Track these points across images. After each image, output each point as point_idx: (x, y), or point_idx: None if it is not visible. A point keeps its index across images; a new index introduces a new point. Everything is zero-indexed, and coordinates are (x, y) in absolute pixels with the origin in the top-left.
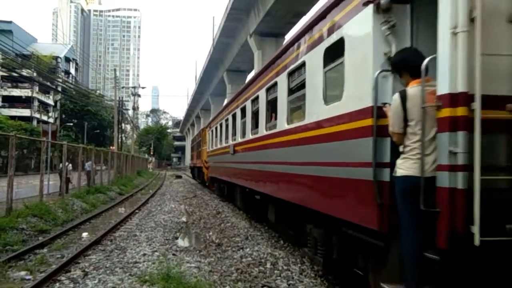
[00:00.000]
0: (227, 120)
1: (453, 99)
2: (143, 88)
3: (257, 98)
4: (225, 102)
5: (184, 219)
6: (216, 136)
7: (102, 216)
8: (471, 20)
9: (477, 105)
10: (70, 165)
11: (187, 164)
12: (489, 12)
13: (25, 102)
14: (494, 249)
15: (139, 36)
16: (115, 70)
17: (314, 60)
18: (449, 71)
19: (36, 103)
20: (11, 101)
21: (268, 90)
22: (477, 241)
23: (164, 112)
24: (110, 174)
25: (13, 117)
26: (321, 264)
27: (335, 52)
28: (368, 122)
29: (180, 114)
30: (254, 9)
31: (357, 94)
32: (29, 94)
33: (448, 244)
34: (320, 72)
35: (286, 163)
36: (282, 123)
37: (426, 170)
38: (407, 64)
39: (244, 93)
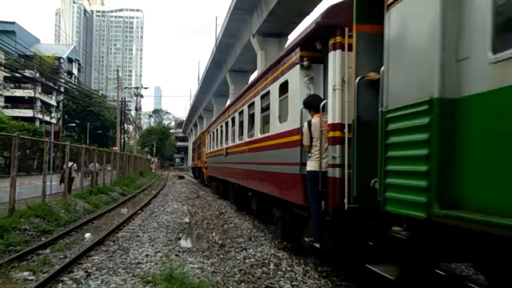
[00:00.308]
0: (221, 126)
1: (334, 126)
2: (145, 88)
3: (242, 111)
4: (228, 102)
5: (187, 219)
6: (213, 140)
7: (105, 216)
8: (343, 82)
9: (345, 130)
10: (75, 165)
11: (190, 165)
12: (350, 79)
13: (28, 102)
14: (354, 212)
15: (141, 37)
16: (117, 70)
17: (274, 90)
18: (332, 111)
19: (38, 104)
20: (14, 102)
21: (249, 106)
22: (345, 207)
23: (167, 113)
24: (113, 174)
25: (15, 118)
26: (280, 236)
27: (284, 88)
28: (297, 137)
29: (183, 115)
30: (257, 9)
31: (293, 118)
32: (32, 95)
33: (333, 210)
34: (277, 99)
35: (259, 163)
36: (257, 133)
37: (322, 167)
38: (311, 105)
39: (234, 106)
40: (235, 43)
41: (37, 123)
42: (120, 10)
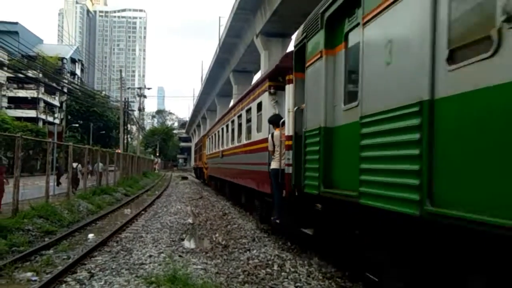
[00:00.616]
0: (218, 131)
1: (288, 137)
2: (149, 89)
3: (233, 120)
4: (231, 103)
5: (190, 220)
6: (212, 143)
7: (108, 217)
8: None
9: (293, 139)
10: (80, 165)
11: (192, 165)
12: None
13: (31, 103)
14: (303, 197)
15: (144, 37)
16: (120, 71)
17: (253, 107)
18: (287, 126)
19: (41, 104)
20: (17, 102)
21: (238, 117)
22: (296, 193)
23: (170, 113)
24: (116, 175)
25: (19, 118)
26: (259, 220)
27: (260, 106)
28: (266, 144)
29: (186, 115)
30: (261, 9)
31: (265, 130)
32: (35, 95)
33: (288, 196)
34: (255, 114)
35: (244, 163)
36: (243, 139)
37: (281, 166)
38: (273, 122)
39: (228, 114)
40: (239, 43)
41: (40, 123)
42: (123, 10)
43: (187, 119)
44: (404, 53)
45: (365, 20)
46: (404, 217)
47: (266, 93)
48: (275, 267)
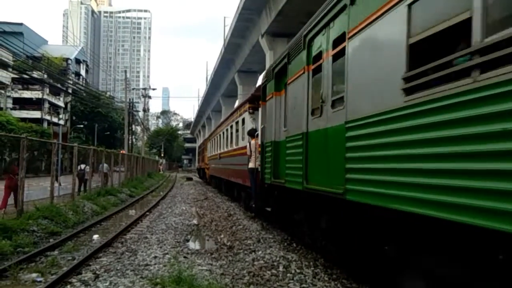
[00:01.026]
0: (216, 137)
1: (260, 146)
2: (153, 89)
3: (227, 129)
4: (236, 104)
5: (195, 221)
6: (212, 147)
7: (113, 218)
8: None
9: (261, 147)
10: (88, 166)
11: (196, 166)
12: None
13: (36, 104)
14: (271, 186)
15: (149, 37)
16: (125, 71)
17: (240, 121)
18: (260, 137)
19: (46, 105)
20: (22, 103)
21: (230, 126)
22: (268, 181)
23: (175, 114)
24: (121, 176)
25: (23, 119)
26: (244, 207)
27: (243, 121)
28: (246, 150)
29: (191, 116)
30: (266, 9)
31: (246, 139)
32: (40, 96)
33: (262, 185)
34: (241, 127)
35: (234, 164)
36: (233, 145)
37: (256, 166)
38: (251, 134)
39: (223, 124)
40: (244, 43)
41: (45, 124)
42: (128, 10)
43: (192, 119)
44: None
45: (289, 81)
46: (296, 190)
47: (247, 112)
48: (281, 268)
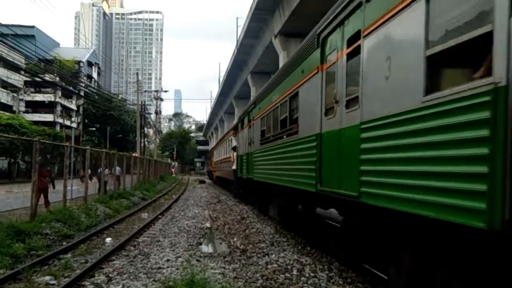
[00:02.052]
0: (218, 148)
1: (236, 156)
2: (165, 91)
3: (223, 145)
4: (249, 103)
5: (208, 224)
6: (216, 154)
7: (125, 221)
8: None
9: (237, 157)
10: (118, 168)
11: (206, 169)
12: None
13: (48, 107)
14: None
15: (161, 39)
16: (137, 74)
17: (229, 140)
18: (238, 151)
19: (59, 108)
20: (34, 106)
21: (226, 142)
22: (244, 176)
23: (187, 116)
24: (133, 179)
25: (36, 122)
26: (233, 195)
27: (231, 140)
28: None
29: (203, 118)
30: (279, 9)
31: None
32: (52, 99)
33: (238, 178)
34: (230, 144)
35: (226, 167)
36: (226, 154)
37: (235, 167)
38: (233, 149)
39: (223, 139)
40: (257, 44)
41: (58, 127)
42: (140, 12)
43: (205, 122)
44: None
45: (255, 119)
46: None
47: (232, 136)
48: (294, 272)
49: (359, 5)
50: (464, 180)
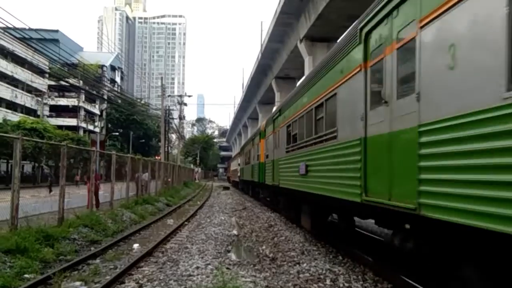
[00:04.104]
0: (233, 161)
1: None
2: (189, 96)
3: (235, 160)
4: (274, 109)
5: (235, 231)
6: (231, 165)
7: (151, 227)
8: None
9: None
10: (147, 174)
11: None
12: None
13: (72, 111)
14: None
15: (184, 43)
16: (161, 78)
17: (237, 159)
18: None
19: (82, 113)
20: (58, 111)
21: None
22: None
23: (210, 121)
24: (158, 184)
25: (60, 127)
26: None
27: (238, 162)
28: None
29: (227, 123)
30: (305, 13)
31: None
32: (76, 104)
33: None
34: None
35: (238, 172)
36: (234, 167)
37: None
38: (238, 164)
39: (234, 158)
40: (281, 48)
41: (81, 132)
42: (163, 16)
43: (228, 127)
44: None
45: (337, 85)
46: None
47: (238, 155)
48: (328, 282)
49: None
50: None
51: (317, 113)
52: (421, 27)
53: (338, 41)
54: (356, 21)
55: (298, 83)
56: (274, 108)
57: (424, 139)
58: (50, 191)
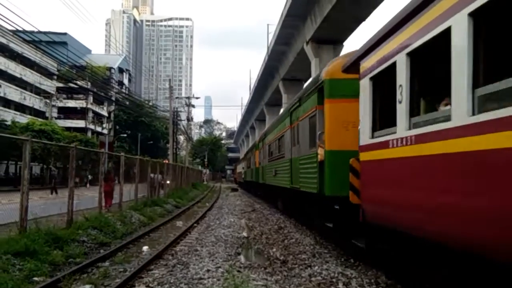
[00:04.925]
0: (239, 164)
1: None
2: (197, 98)
3: (237, 167)
4: (281, 111)
5: (245, 234)
6: (237, 168)
7: (161, 229)
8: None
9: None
10: (160, 176)
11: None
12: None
13: (80, 113)
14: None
15: (191, 46)
16: (169, 80)
17: (237, 167)
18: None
19: (90, 114)
20: (66, 112)
21: (243, 162)
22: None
23: (218, 123)
24: (164, 186)
25: (68, 128)
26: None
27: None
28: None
29: (234, 125)
30: (311, 15)
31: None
32: (84, 105)
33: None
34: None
35: (241, 175)
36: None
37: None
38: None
39: (242, 159)
40: (288, 50)
41: (89, 133)
42: (170, 19)
43: (235, 129)
44: None
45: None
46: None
47: (237, 164)
48: (340, 285)
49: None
50: None
51: (278, 142)
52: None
53: (281, 112)
54: (288, 104)
55: (270, 123)
56: (267, 126)
57: (300, 161)
58: (52, 193)
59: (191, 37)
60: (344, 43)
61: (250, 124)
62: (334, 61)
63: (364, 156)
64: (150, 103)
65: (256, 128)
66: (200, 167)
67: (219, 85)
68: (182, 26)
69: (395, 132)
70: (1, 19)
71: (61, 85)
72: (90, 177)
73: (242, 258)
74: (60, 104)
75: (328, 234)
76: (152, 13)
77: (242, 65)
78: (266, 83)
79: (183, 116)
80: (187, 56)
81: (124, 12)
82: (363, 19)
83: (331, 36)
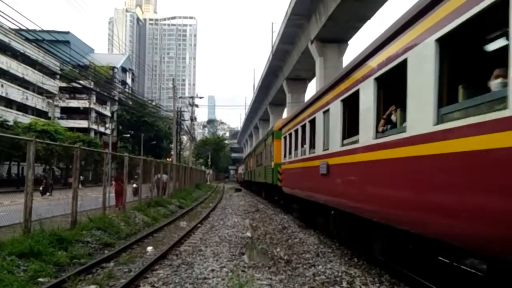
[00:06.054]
0: (243, 164)
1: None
2: (200, 98)
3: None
4: (285, 111)
5: (249, 234)
6: (240, 168)
7: (164, 230)
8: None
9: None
10: (166, 176)
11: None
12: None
13: (83, 113)
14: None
15: (195, 45)
16: (173, 80)
17: (238, 169)
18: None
19: (93, 114)
20: (69, 112)
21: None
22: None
23: (221, 123)
24: (170, 187)
25: (71, 129)
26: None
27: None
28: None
29: (238, 125)
30: (316, 14)
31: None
32: (87, 105)
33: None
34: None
35: (243, 174)
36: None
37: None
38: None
39: (246, 159)
40: (292, 49)
41: (92, 133)
42: (173, 18)
43: (239, 128)
44: None
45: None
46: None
47: (238, 165)
48: (344, 284)
49: (266, 137)
50: None
51: (260, 156)
52: (265, 146)
53: (264, 136)
54: (263, 135)
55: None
56: (269, 127)
57: (266, 168)
58: (44, 193)
59: (195, 36)
60: (349, 42)
61: (254, 124)
62: (277, 122)
63: (283, 166)
64: (154, 103)
65: (260, 127)
66: (203, 167)
67: (223, 85)
68: (185, 25)
69: (290, 159)
70: (4, 17)
71: (64, 84)
72: (81, 177)
73: (246, 258)
74: (63, 104)
75: (329, 234)
76: (155, 12)
77: (246, 64)
78: (270, 83)
79: (187, 116)
80: (190, 55)
81: (127, 10)
82: (368, 17)
83: (336, 35)
